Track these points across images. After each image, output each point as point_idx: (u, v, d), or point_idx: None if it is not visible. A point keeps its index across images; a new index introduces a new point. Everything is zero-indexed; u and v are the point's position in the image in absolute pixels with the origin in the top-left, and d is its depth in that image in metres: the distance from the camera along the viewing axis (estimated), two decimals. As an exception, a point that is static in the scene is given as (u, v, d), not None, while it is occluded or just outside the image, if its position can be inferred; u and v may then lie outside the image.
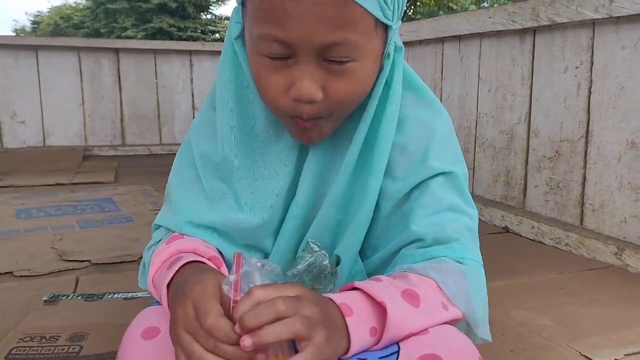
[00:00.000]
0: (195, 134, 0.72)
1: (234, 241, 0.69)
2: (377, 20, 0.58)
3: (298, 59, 0.57)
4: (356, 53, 0.57)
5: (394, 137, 0.67)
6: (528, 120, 1.88)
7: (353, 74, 0.58)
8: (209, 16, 19.16)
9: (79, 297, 1.25)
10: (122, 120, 3.82)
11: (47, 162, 3.21)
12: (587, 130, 1.65)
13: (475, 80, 2.12)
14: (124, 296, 1.26)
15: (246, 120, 0.67)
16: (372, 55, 0.60)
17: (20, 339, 1.03)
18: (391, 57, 0.63)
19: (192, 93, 3.96)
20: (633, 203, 1.52)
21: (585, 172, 1.67)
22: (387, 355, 0.53)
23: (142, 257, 0.73)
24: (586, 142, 1.66)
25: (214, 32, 18.96)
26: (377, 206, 0.68)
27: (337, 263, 0.67)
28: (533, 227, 1.78)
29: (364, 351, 0.53)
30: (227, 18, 19.24)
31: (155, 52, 3.88)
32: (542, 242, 1.74)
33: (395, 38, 0.63)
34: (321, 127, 0.62)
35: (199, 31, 18.05)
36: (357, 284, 0.55)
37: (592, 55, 1.62)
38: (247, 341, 0.45)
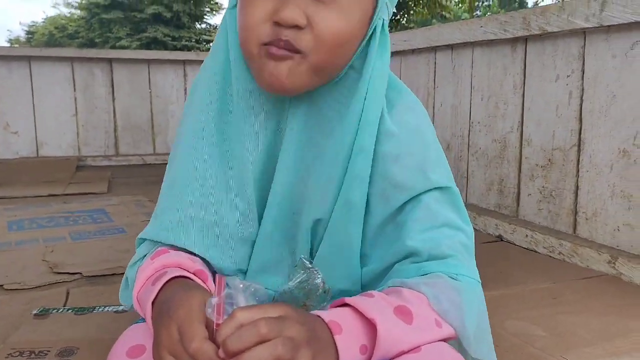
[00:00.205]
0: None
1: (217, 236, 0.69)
2: None
3: None
4: None
5: (384, 146, 0.67)
6: (520, 128, 1.88)
7: (339, 9, 0.60)
8: (203, 25, 19.20)
9: (70, 311, 1.24)
10: (115, 130, 3.81)
11: (40, 173, 3.20)
12: (579, 139, 1.66)
13: (468, 89, 2.13)
14: (114, 309, 1.24)
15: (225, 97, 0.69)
16: (360, 3, 0.61)
17: (9, 354, 1.02)
18: (377, 33, 0.64)
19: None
20: (626, 211, 1.52)
21: (577, 180, 1.67)
22: None
23: None
24: (578, 151, 1.66)
25: (208, 42, 18.99)
26: (369, 211, 0.67)
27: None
28: (527, 235, 1.78)
29: None
30: (221, 27, 19.27)
31: (148, 62, 3.88)
32: (535, 251, 1.73)
33: (384, 15, 0.65)
34: (295, 67, 0.60)
35: (193, 40, 18.07)
36: (347, 299, 0.54)
37: (583, 64, 1.63)
38: None
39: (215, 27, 19.29)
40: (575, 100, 1.66)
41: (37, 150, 3.62)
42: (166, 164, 0.75)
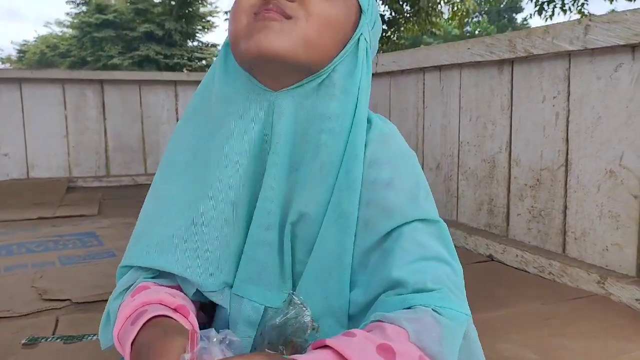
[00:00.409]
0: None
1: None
2: None
3: None
4: None
5: (374, 172, 0.67)
6: (509, 149, 1.90)
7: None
8: (195, 43, 19.28)
9: (58, 340, 1.23)
10: (106, 150, 3.81)
11: (30, 195, 3.18)
12: (567, 159, 1.67)
13: (457, 109, 2.15)
14: (104, 337, 1.24)
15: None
16: (346, 7, 0.67)
17: (-4, 387, 1.01)
18: (361, 49, 0.68)
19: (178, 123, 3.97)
20: (614, 231, 1.53)
21: (566, 200, 1.68)
22: None
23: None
24: (566, 171, 1.68)
25: (200, 59, 19.06)
26: (355, 236, 0.67)
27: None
28: (517, 255, 1.78)
29: None
30: (213, 45, 19.38)
31: (140, 82, 3.89)
32: (526, 271, 1.74)
33: (365, 34, 0.69)
34: (286, 29, 0.63)
35: (185, 58, 18.13)
36: (328, 341, 0.53)
37: (569, 86, 1.65)
38: None
39: (207, 45, 19.38)
40: (561, 121, 1.68)
41: (28, 172, 3.61)
42: None
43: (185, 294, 0.70)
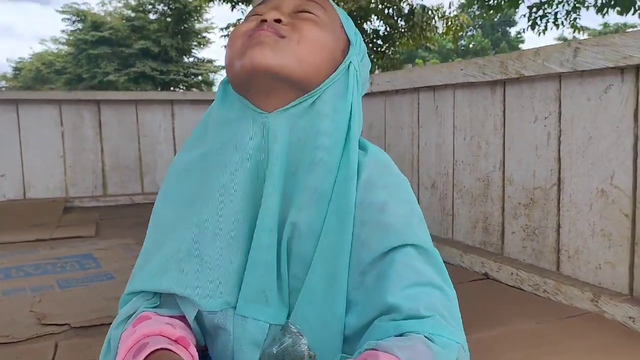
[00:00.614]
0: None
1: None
2: (342, 26, 0.74)
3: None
4: (320, 14, 0.72)
5: (370, 195, 0.69)
6: (502, 168, 1.92)
7: (318, 24, 0.70)
8: (191, 59, 19.38)
9: (58, 366, 1.24)
10: (103, 170, 3.82)
11: (28, 216, 3.19)
12: (559, 178, 1.70)
13: (451, 129, 2.18)
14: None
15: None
16: (333, 28, 0.73)
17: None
18: (352, 73, 0.72)
19: (174, 142, 3.98)
20: (606, 249, 1.55)
21: (559, 219, 1.70)
22: None
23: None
24: (558, 190, 1.70)
25: (196, 75, 19.15)
26: (350, 256, 0.68)
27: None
28: (512, 273, 1.80)
29: None
30: (209, 61, 19.48)
31: (136, 102, 3.91)
32: (521, 289, 1.76)
33: (355, 63, 0.74)
34: (281, 45, 0.67)
35: (181, 74, 18.21)
36: None
37: (560, 106, 1.68)
38: None
39: (203, 61, 19.47)
40: (553, 140, 1.71)
41: (25, 192, 3.61)
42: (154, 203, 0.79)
43: (187, 316, 0.71)
